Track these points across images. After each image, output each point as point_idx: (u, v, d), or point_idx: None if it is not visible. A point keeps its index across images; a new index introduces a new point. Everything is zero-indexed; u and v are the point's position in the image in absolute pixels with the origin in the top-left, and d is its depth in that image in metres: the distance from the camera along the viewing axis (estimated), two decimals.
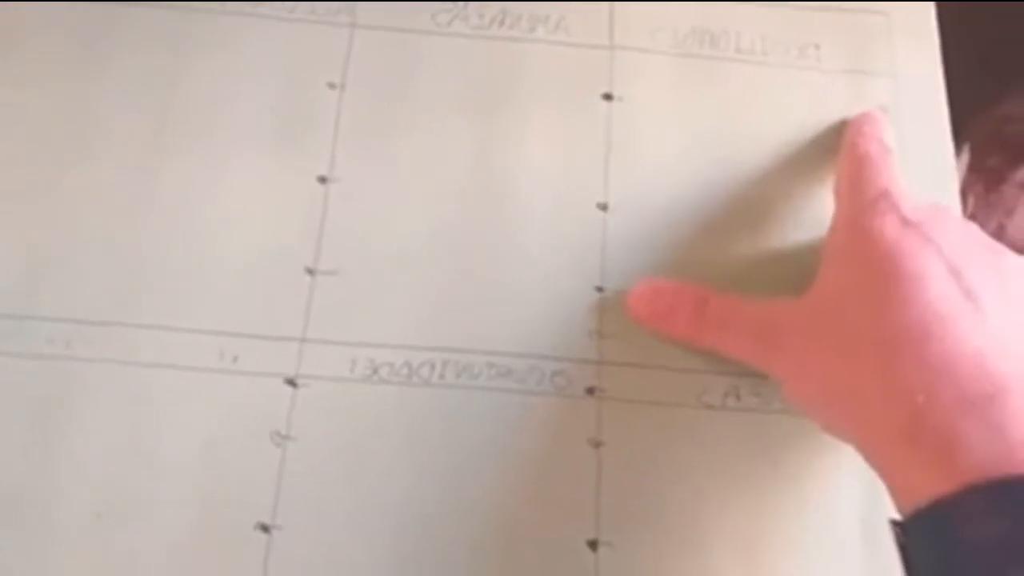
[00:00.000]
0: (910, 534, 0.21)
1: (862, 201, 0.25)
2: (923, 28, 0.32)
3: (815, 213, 0.29)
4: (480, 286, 0.27)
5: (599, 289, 0.27)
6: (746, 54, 0.31)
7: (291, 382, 0.26)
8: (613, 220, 0.28)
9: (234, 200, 0.28)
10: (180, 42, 0.30)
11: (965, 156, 0.41)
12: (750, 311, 0.26)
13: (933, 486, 0.20)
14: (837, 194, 0.28)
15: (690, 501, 0.25)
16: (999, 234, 0.53)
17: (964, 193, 0.37)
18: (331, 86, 0.30)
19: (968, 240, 0.23)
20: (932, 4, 0.33)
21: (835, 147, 0.29)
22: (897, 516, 0.21)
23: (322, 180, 0.29)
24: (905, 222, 0.23)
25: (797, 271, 0.27)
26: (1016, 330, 0.22)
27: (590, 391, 0.26)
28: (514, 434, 0.26)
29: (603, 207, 0.28)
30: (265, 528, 0.25)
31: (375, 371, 0.26)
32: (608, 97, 0.30)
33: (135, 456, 0.25)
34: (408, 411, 0.26)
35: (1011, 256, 0.23)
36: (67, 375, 0.26)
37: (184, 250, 0.28)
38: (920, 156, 0.30)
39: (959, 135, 0.31)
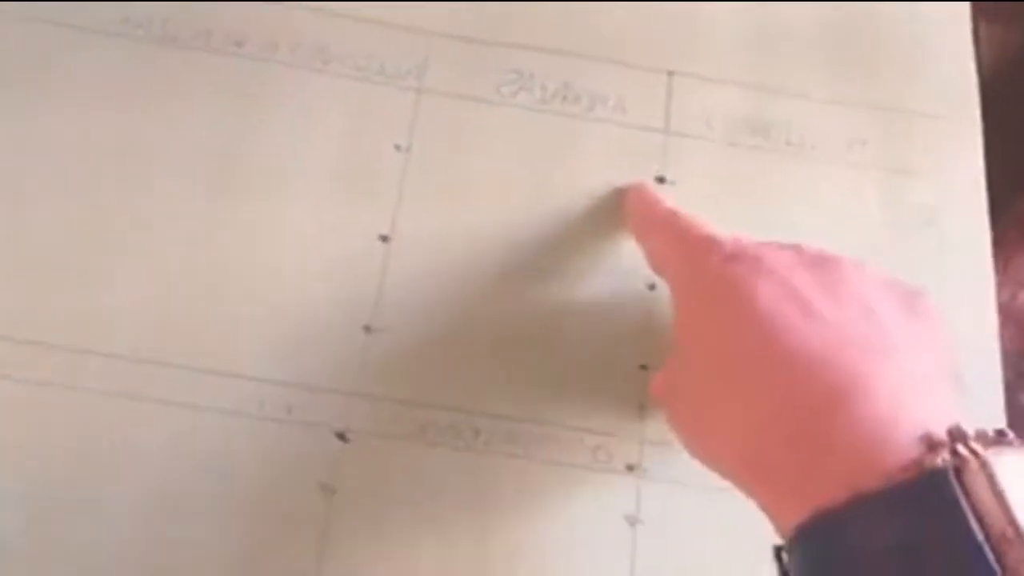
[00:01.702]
0: (784, 560, 0.20)
1: (686, 248, 0.26)
2: (969, 133, 0.33)
3: None
4: (530, 355, 0.28)
5: (643, 367, 0.28)
6: (795, 147, 0.32)
7: (341, 436, 0.27)
8: (661, 299, 0.29)
9: (296, 251, 0.29)
10: (251, 93, 0.31)
11: None
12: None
13: (789, 508, 0.19)
14: (660, 264, 0.28)
15: None
16: (1011, 303, 0.55)
17: None
18: (397, 148, 0.31)
19: (794, 258, 0.24)
20: (978, 107, 0.34)
21: (871, 245, 0.30)
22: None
23: (383, 239, 0.30)
24: (730, 256, 0.24)
25: None
26: (854, 332, 0.21)
27: (630, 468, 0.27)
28: (551, 505, 0.27)
29: (652, 286, 0.29)
30: None
31: (423, 431, 0.27)
32: (661, 180, 0.31)
33: (177, 498, 0.26)
34: (451, 474, 0.27)
35: (843, 261, 0.24)
36: (115, 412, 0.27)
37: (242, 296, 0.29)
38: (959, 257, 0.31)
39: None
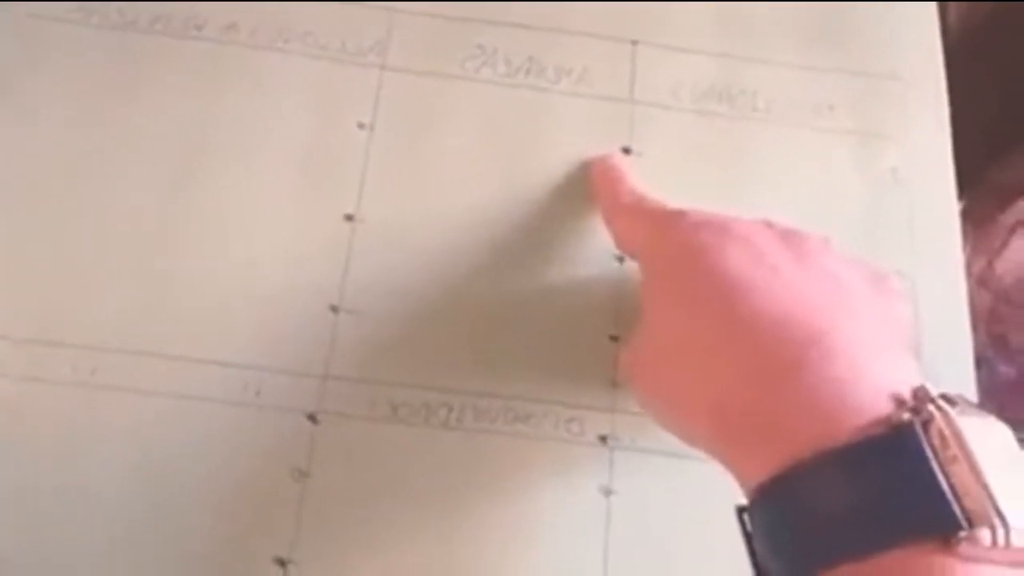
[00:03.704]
0: (747, 519, 0.21)
1: (653, 222, 0.26)
2: (934, 94, 0.33)
3: None
4: (500, 331, 0.28)
5: (613, 339, 0.28)
6: (762, 112, 0.32)
7: (312, 418, 0.27)
8: (630, 271, 0.29)
9: (261, 234, 0.29)
10: (211, 75, 0.31)
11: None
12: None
13: (755, 469, 0.20)
14: (627, 242, 0.28)
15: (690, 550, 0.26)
16: (987, 271, 0.55)
17: None
18: (360, 126, 0.31)
19: (761, 228, 0.24)
20: (942, 71, 0.34)
21: (840, 210, 0.31)
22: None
23: (349, 218, 0.29)
24: (697, 224, 0.24)
25: None
26: (819, 296, 0.21)
27: (603, 439, 0.27)
28: (525, 479, 0.27)
29: (620, 259, 0.29)
30: (282, 563, 0.25)
31: (394, 411, 0.27)
32: (627, 151, 0.31)
33: (153, 485, 0.26)
34: (425, 453, 0.27)
35: (811, 237, 0.24)
36: (91, 402, 0.27)
37: (210, 281, 0.28)
38: (926, 219, 0.31)
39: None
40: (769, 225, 0.24)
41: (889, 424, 0.18)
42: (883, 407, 0.19)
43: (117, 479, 0.26)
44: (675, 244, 0.24)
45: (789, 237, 0.24)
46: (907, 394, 0.19)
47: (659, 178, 0.31)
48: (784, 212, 0.30)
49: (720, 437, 0.21)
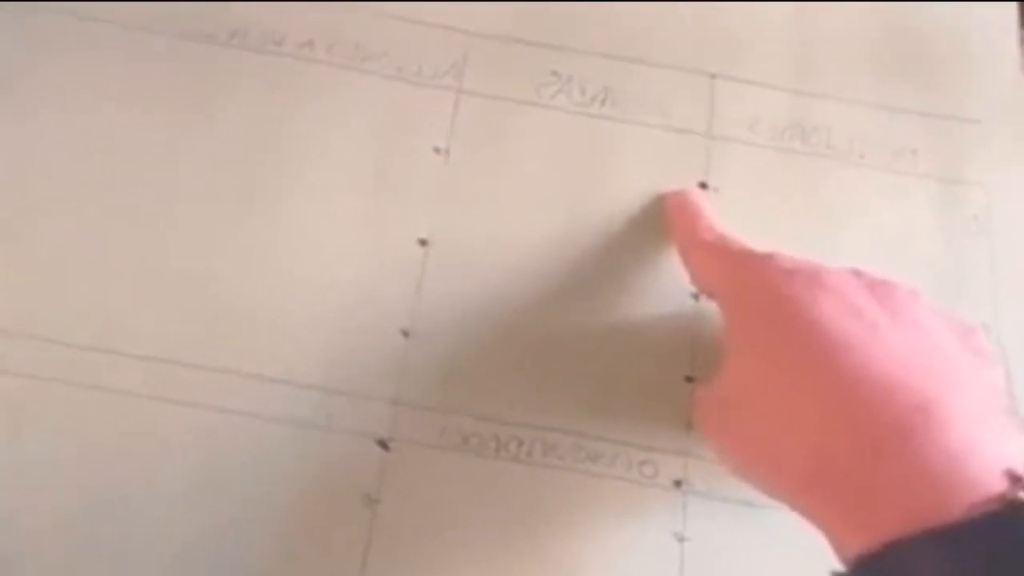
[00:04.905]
0: None
1: (736, 262, 0.25)
2: (1017, 139, 0.32)
3: None
4: (570, 364, 0.28)
5: (688, 380, 0.28)
6: (842, 154, 0.32)
7: (383, 444, 0.27)
8: (706, 310, 0.29)
9: (334, 254, 0.29)
10: (287, 91, 0.31)
11: None
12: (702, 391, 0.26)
13: (853, 535, 0.19)
14: (706, 281, 0.27)
15: None
16: None
17: None
18: (436, 150, 0.31)
19: (852, 279, 0.23)
20: None
21: (921, 255, 0.30)
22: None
23: (422, 243, 0.29)
24: (787, 270, 0.23)
25: None
26: (918, 357, 0.21)
27: (677, 483, 0.27)
28: (595, 519, 0.26)
29: (696, 296, 0.29)
30: None
31: (465, 440, 0.27)
32: (703, 186, 0.31)
33: (216, 504, 0.26)
34: (495, 485, 0.26)
35: (900, 288, 0.23)
36: (159, 415, 0.27)
37: (282, 300, 0.28)
38: (1009, 268, 0.30)
39: None
40: (858, 274, 0.24)
41: (1004, 502, 0.18)
42: (996, 483, 0.18)
43: (179, 496, 0.26)
44: (763, 289, 0.24)
45: (879, 289, 0.23)
46: (1020, 469, 0.18)
47: (735, 215, 0.30)
48: (862, 257, 0.30)
49: (813, 495, 0.21)
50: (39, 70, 0.30)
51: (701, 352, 0.28)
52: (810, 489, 0.21)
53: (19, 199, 0.29)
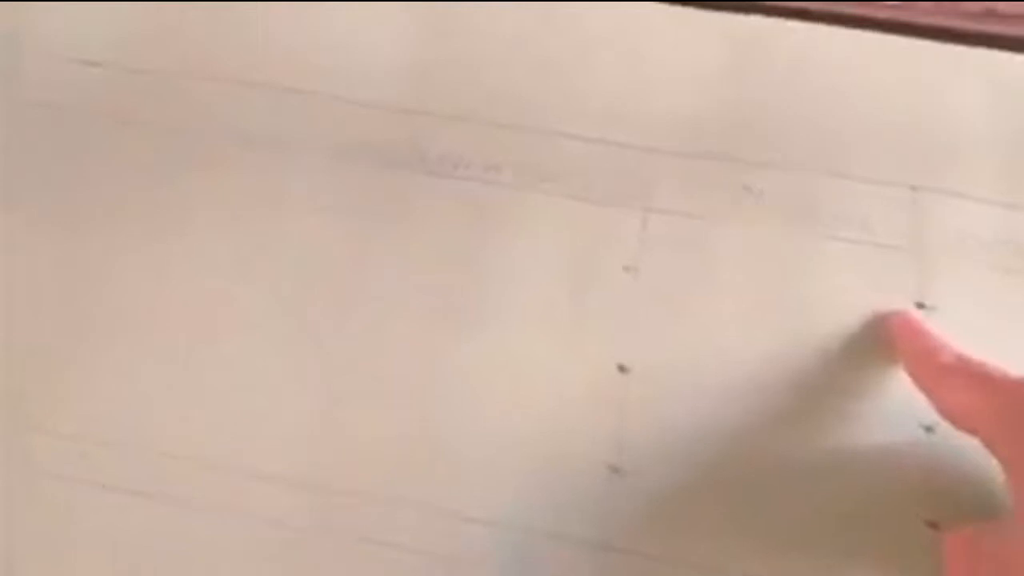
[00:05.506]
0: None
1: (1009, 395, 0.23)
2: None
3: None
4: (793, 507, 0.26)
5: (932, 526, 0.25)
6: None
7: None
8: (942, 444, 0.26)
9: (527, 383, 0.28)
10: (474, 215, 0.31)
11: None
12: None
13: None
14: (966, 419, 0.24)
15: None
16: None
17: None
18: (626, 269, 0.30)
19: None
20: None
21: None
22: None
23: (622, 369, 0.28)
24: None
25: None
26: None
27: None
28: None
29: (928, 428, 0.26)
30: None
31: None
32: (920, 306, 0.29)
33: None
34: None
35: None
36: (338, 551, 0.26)
37: (471, 432, 0.27)
38: None
39: None
40: None
41: None
42: None
43: None
44: None
45: None
46: None
47: (959, 338, 0.28)
48: None
49: None
50: (212, 195, 0.31)
51: (940, 493, 0.25)
52: None
53: (201, 321, 0.29)
